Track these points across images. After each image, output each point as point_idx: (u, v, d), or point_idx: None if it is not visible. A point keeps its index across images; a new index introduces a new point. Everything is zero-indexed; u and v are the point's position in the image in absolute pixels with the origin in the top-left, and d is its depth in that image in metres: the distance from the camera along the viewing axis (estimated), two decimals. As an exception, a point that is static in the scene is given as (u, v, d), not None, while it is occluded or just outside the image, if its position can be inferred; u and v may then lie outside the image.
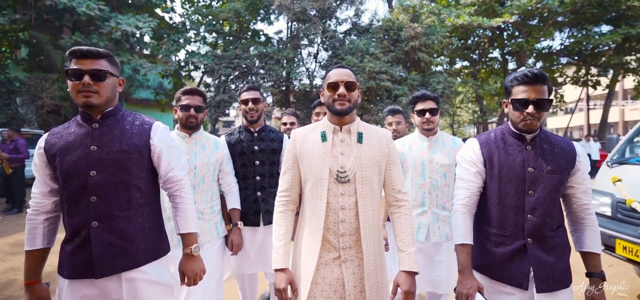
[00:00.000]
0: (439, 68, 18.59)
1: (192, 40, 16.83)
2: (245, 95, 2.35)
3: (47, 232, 1.42)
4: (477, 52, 19.50)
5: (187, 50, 16.09)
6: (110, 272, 1.36)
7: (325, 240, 1.45)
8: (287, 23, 16.90)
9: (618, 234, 2.73)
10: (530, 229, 1.42)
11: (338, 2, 16.06)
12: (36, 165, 1.40)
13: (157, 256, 1.48)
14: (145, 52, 15.71)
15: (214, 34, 17.12)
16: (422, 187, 2.17)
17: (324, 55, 17.11)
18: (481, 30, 15.93)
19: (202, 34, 17.06)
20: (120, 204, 1.38)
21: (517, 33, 17.63)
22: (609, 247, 2.83)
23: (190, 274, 1.50)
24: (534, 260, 1.41)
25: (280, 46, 16.84)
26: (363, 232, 1.43)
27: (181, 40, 15.70)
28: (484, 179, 1.54)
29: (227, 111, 17.92)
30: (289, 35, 17.03)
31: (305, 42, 16.69)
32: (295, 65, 16.18)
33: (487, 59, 20.25)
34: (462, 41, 18.19)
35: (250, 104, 2.31)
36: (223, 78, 15.55)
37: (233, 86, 16.14)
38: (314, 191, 1.46)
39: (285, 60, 15.75)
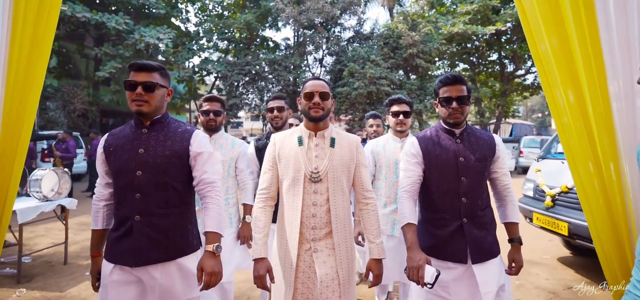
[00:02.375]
0: (439, 72, 19.57)
1: (205, 46, 18.03)
2: (271, 104, 2.54)
3: (106, 216, 1.62)
4: (476, 55, 20.40)
5: (200, 57, 17.30)
6: (146, 262, 1.48)
7: (300, 233, 1.57)
8: (294, 31, 18.05)
9: (534, 209, 3.76)
10: (464, 210, 1.63)
11: (341, 12, 17.14)
12: (98, 160, 1.59)
13: (188, 252, 1.59)
14: (162, 58, 17.01)
15: (225, 41, 18.31)
16: (395, 184, 2.36)
17: (328, 60, 18.23)
18: (480, 35, 16.78)
19: (214, 41, 18.25)
20: (159, 202, 1.51)
21: (514, 38, 18.52)
22: (530, 219, 3.88)
23: (208, 269, 1.43)
24: (469, 237, 1.62)
25: (288, 53, 17.97)
26: (334, 225, 1.58)
27: (195, 48, 16.93)
28: (423, 169, 1.73)
29: (238, 113, 19.11)
30: (295, 42, 18.17)
31: (311, 48, 17.77)
32: (301, 70, 17.27)
33: (486, 62, 21.12)
34: (462, 46, 19.09)
35: (275, 112, 2.51)
36: (235, 83, 16.71)
37: (243, 90, 17.31)
38: (291, 189, 1.60)
39: (292, 66, 16.86)
